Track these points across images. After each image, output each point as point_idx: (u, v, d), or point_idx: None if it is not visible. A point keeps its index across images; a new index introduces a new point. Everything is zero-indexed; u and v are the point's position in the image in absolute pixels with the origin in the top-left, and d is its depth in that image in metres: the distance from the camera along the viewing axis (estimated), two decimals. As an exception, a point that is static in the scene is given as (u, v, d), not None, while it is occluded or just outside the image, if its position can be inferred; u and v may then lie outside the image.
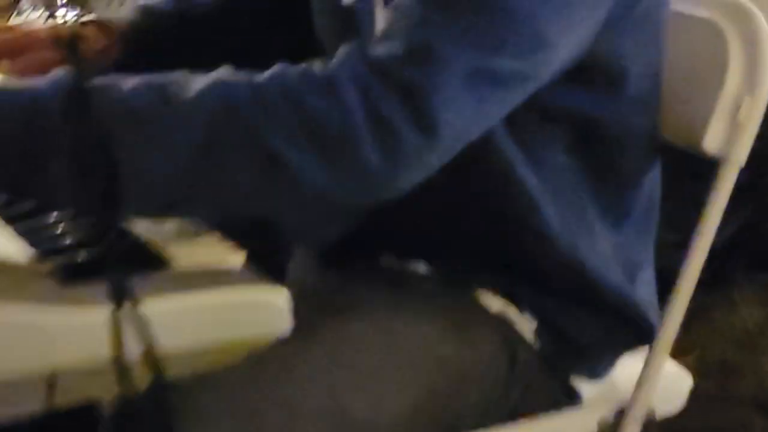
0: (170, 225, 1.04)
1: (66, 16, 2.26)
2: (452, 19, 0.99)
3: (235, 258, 1.01)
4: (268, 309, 0.95)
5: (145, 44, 1.33)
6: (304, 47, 1.23)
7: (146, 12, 1.36)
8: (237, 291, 0.96)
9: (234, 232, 1.03)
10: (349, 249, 1.26)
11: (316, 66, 0.99)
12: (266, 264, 0.99)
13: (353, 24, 1.17)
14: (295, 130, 0.95)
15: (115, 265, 0.84)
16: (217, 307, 0.94)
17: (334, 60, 1.00)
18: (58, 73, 0.95)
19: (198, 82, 0.96)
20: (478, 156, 1.09)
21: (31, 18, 2.26)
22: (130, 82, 0.96)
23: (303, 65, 0.99)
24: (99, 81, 0.95)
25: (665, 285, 1.26)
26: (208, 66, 0.99)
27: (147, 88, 0.95)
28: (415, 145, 0.97)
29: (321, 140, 0.95)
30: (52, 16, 2.26)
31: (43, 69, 1.00)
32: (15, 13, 2.32)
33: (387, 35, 1.01)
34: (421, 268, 1.25)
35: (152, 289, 0.90)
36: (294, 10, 1.36)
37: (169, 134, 0.93)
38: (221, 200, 0.97)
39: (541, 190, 1.17)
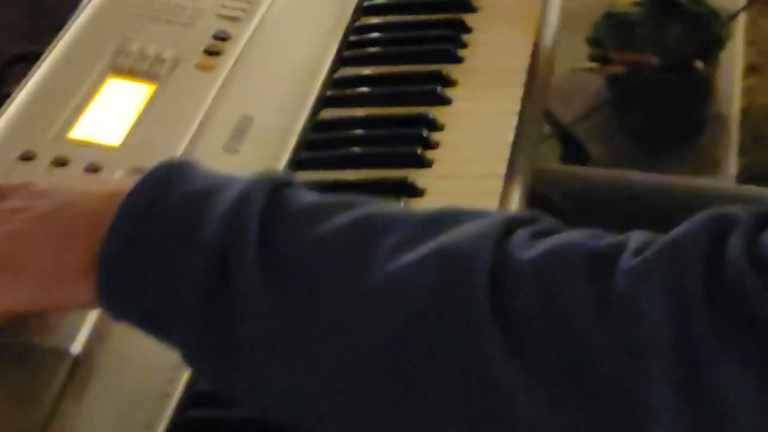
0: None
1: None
2: None
3: None
4: None
5: None
6: None
7: None
8: None
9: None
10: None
11: (618, 242, 0.56)
12: None
13: None
14: (546, 362, 0.54)
15: None
16: None
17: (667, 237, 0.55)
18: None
19: (416, 237, 0.58)
20: None
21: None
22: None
23: (593, 236, 0.56)
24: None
25: None
26: None
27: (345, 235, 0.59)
28: None
29: (593, 390, 0.54)
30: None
31: None
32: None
33: None
34: None
35: None
36: None
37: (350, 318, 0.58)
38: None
39: None
